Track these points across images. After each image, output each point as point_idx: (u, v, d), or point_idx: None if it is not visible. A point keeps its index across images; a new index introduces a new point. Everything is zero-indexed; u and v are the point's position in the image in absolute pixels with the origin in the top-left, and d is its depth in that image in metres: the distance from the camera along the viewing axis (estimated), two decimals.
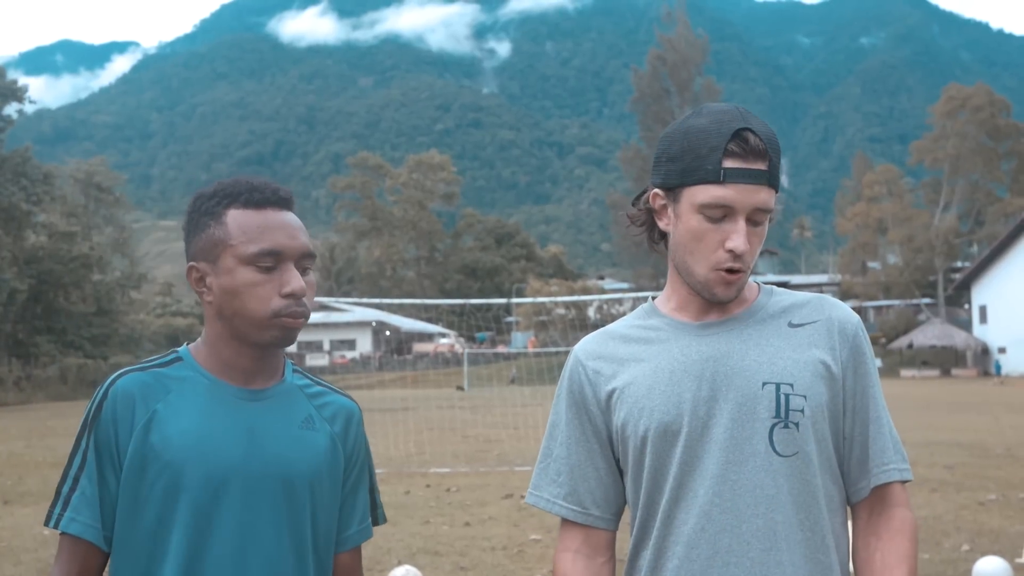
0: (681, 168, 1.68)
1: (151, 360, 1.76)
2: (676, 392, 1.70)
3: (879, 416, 1.76)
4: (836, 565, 1.71)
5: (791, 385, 1.67)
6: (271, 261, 1.69)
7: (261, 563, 1.67)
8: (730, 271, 1.68)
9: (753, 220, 1.67)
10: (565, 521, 1.84)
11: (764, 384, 1.67)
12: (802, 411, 1.67)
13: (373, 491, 1.93)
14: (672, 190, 1.71)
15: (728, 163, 1.64)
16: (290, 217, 1.74)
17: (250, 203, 1.71)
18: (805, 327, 1.74)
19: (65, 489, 1.67)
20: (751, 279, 1.81)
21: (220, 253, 1.70)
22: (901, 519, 1.73)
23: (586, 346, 1.84)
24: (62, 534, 1.67)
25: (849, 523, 1.78)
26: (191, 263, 1.74)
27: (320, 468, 1.75)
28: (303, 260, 1.73)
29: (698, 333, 1.74)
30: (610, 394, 1.77)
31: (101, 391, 1.70)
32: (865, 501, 1.75)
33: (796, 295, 1.81)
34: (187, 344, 1.80)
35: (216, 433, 1.68)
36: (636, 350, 1.78)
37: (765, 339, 1.72)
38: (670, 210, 1.73)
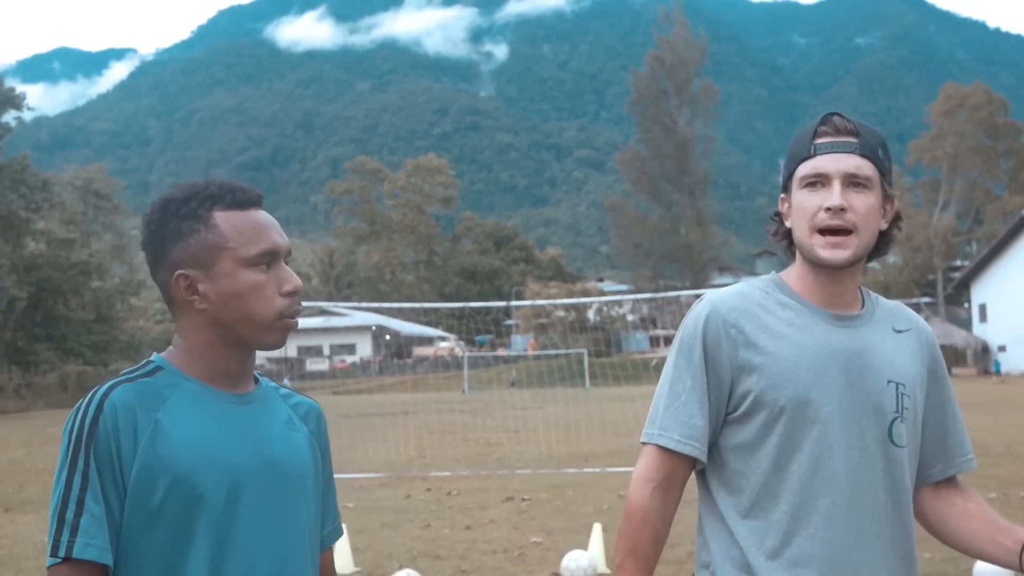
0: (788, 162, 1.93)
1: (131, 372, 1.68)
2: (820, 374, 1.86)
3: (956, 413, 2.04)
4: (913, 538, 1.98)
5: (904, 385, 1.91)
6: (269, 261, 1.67)
7: (274, 563, 1.67)
8: (832, 232, 1.85)
9: (852, 185, 1.86)
10: (657, 450, 1.92)
11: (889, 382, 1.90)
12: (909, 409, 1.91)
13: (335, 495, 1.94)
14: (788, 188, 1.94)
15: (819, 140, 1.88)
16: (269, 215, 1.73)
17: (235, 204, 1.68)
18: (905, 334, 1.98)
19: (69, 515, 1.55)
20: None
21: (216, 257, 1.65)
22: (976, 495, 2.05)
23: (727, 300, 1.94)
24: (62, 563, 1.54)
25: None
26: (179, 271, 1.66)
27: (307, 465, 1.76)
28: (288, 257, 1.73)
29: (834, 323, 1.91)
30: (750, 356, 1.88)
31: (93, 406, 1.59)
32: (941, 483, 2.04)
33: (887, 301, 2.04)
34: (157, 354, 1.73)
35: (220, 439, 1.65)
36: (777, 322, 1.91)
37: (883, 340, 1.93)
38: (787, 204, 1.95)
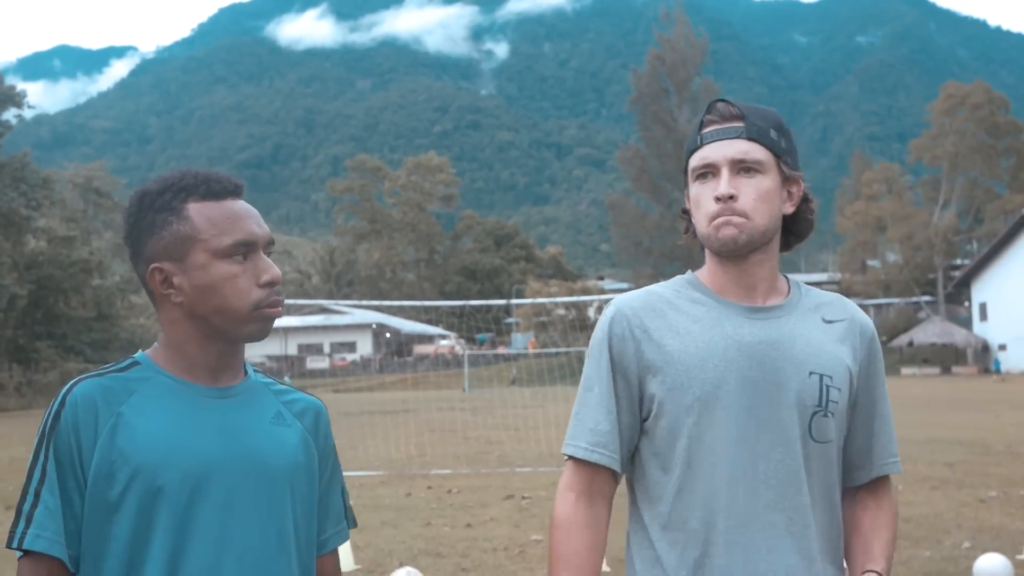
0: (684, 156, 1.90)
1: (108, 367, 1.67)
2: (729, 369, 1.78)
3: (885, 413, 1.94)
4: (842, 539, 1.88)
5: (831, 377, 1.81)
6: (245, 251, 1.64)
7: (244, 561, 1.61)
8: (725, 219, 1.79)
9: (742, 171, 1.79)
10: (573, 461, 1.86)
11: (811, 373, 1.79)
12: (837, 402, 1.81)
13: (344, 494, 1.87)
14: (686, 181, 1.89)
15: (705, 129, 1.84)
16: (248, 205, 1.69)
17: (209, 194, 1.65)
18: (836, 324, 1.88)
19: (26, 507, 1.55)
20: (782, 274, 1.92)
21: (188, 249, 1.62)
22: (890, 500, 1.93)
23: (632, 302, 1.89)
24: (24, 555, 1.55)
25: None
26: (154, 265, 1.64)
27: (296, 463, 1.70)
28: (268, 247, 1.68)
29: (748, 316, 1.83)
30: (655, 356, 1.81)
31: (58, 400, 1.59)
32: (864, 486, 1.93)
33: (820, 292, 1.94)
34: (143, 351, 1.72)
35: (188, 431, 1.61)
36: (685, 319, 1.84)
37: (808, 331, 1.84)
38: (688, 199, 1.90)
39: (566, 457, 1.88)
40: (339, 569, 1.86)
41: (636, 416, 1.85)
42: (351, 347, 72.61)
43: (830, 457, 1.82)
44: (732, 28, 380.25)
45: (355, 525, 1.91)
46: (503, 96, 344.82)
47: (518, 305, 46.98)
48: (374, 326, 72.15)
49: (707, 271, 1.91)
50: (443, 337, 72.73)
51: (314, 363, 66.63)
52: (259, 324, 1.65)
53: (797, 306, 1.87)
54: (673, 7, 70.09)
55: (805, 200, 1.89)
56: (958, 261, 68.00)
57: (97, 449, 1.56)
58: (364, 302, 69.24)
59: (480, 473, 13.60)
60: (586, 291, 61.00)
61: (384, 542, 8.42)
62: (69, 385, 1.61)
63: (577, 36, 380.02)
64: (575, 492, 1.84)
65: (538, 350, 50.99)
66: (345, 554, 7.39)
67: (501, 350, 55.35)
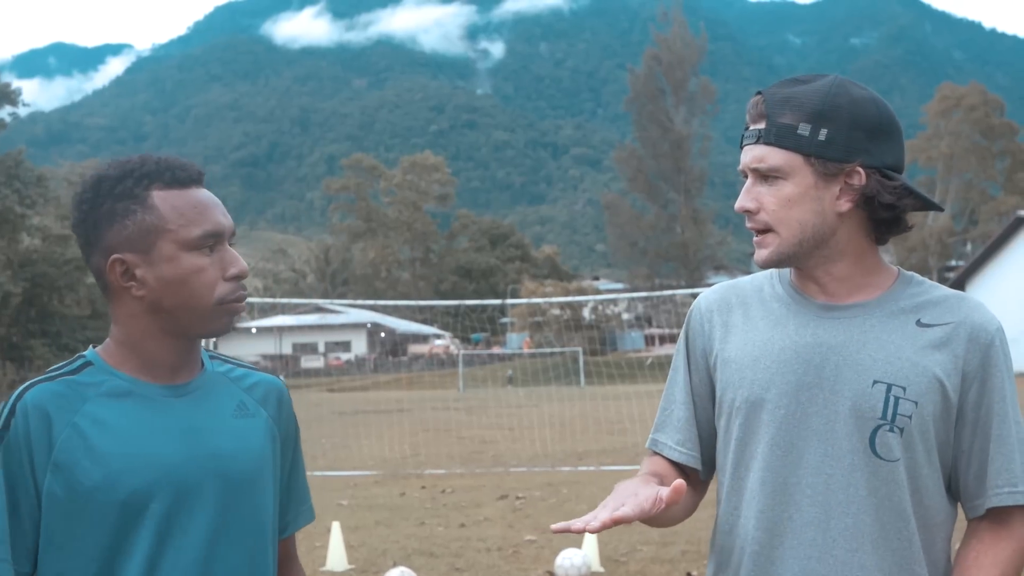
0: None
1: (58, 368, 1.58)
2: (781, 371, 1.65)
3: (1003, 433, 1.64)
4: None
5: (903, 388, 1.60)
6: (212, 243, 1.56)
7: (225, 565, 1.56)
8: (756, 240, 1.68)
9: (763, 179, 1.65)
10: (652, 455, 1.81)
11: (875, 383, 1.60)
12: (910, 417, 1.60)
13: (303, 474, 1.79)
14: None
15: (745, 131, 1.70)
16: (211, 194, 1.60)
17: (175, 182, 1.55)
18: (934, 328, 1.65)
19: None
20: (891, 264, 1.76)
21: (155, 240, 1.53)
22: (1012, 537, 1.64)
23: (709, 295, 1.83)
24: None
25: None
26: (115, 256, 1.54)
27: (263, 456, 1.63)
28: (232, 238, 1.61)
29: (819, 314, 1.68)
30: (720, 352, 1.74)
31: (7, 408, 1.49)
32: (981, 519, 1.66)
33: (936, 290, 1.71)
34: (93, 347, 1.63)
35: (147, 438, 1.52)
36: (757, 315, 1.73)
37: (887, 334, 1.64)
38: None
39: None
40: (296, 551, 1.80)
41: (710, 414, 1.78)
42: (346, 346, 72.52)
43: (898, 479, 1.60)
44: (728, 28, 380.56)
45: (313, 517, 1.83)
46: (499, 95, 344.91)
47: (513, 305, 46.96)
48: (369, 325, 72.10)
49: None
50: (438, 337, 72.65)
51: (309, 362, 66.54)
52: (223, 320, 1.58)
53: (886, 306, 1.67)
54: (670, 7, 70.14)
55: (873, 189, 1.63)
56: (953, 263, 68.11)
57: (51, 462, 1.47)
58: (359, 301, 69.23)
59: (474, 473, 13.59)
60: (581, 291, 61.01)
61: (378, 542, 8.41)
62: (19, 391, 1.51)
63: (573, 36, 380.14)
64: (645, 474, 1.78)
65: (533, 350, 50.98)
66: (339, 553, 7.38)
67: (496, 350, 55.33)
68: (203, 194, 1.58)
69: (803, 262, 1.68)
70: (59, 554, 1.49)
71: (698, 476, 1.81)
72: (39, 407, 1.49)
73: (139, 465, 1.50)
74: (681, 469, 1.79)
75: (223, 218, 1.58)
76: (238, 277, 1.58)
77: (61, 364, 1.60)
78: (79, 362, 1.59)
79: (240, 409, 1.64)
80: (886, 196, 1.63)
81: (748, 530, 1.66)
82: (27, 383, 1.54)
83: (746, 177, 1.70)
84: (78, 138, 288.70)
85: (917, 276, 1.75)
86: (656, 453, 1.81)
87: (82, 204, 1.58)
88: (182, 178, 1.56)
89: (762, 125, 1.65)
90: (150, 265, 1.53)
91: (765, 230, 1.66)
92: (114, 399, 1.54)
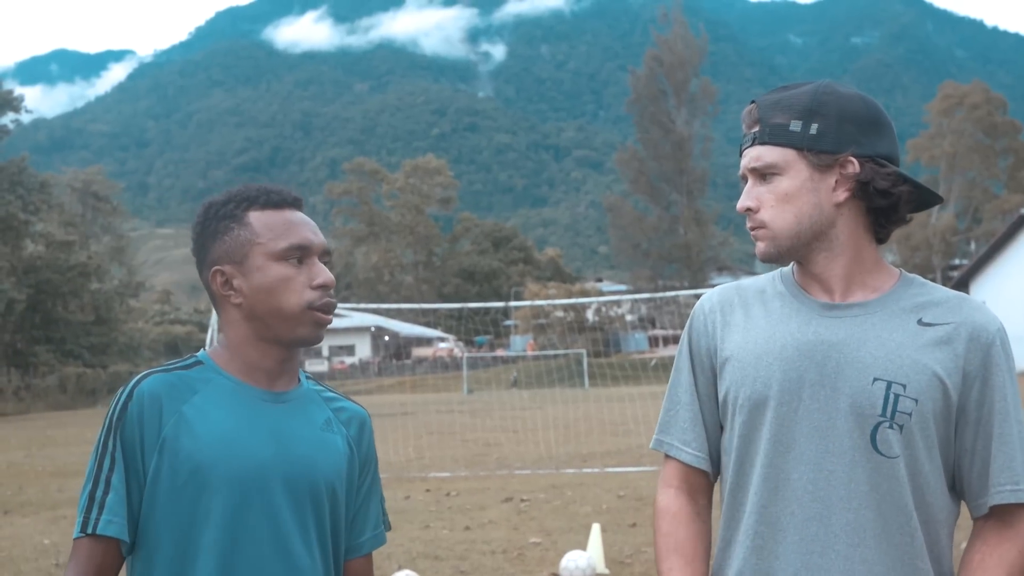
0: None
1: (172, 363, 1.77)
2: (783, 369, 1.68)
3: (1005, 432, 1.66)
4: (931, 573, 1.67)
5: (903, 386, 1.63)
6: (300, 255, 1.74)
7: (289, 564, 1.70)
8: (754, 234, 1.75)
9: (761, 178, 1.73)
10: (667, 459, 1.85)
11: (875, 380, 1.64)
12: (910, 414, 1.63)
13: (382, 500, 1.96)
14: None
15: (743, 139, 1.78)
16: (306, 216, 1.80)
17: (269, 204, 1.76)
18: (935, 327, 1.69)
19: (99, 493, 1.64)
20: (894, 266, 1.81)
21: (248, 252, 1.73)
22: (1017, 536, 1.66)
23: (712, 296, 1.87)
24: (86, 537, 1.63)
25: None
26: (216, 267, 1.75)
27: (340, 470, 1.79)
28: (324, 256, 1.79)
29: (821, 312, 1.71)
30: (723, 351, 1.78)
31: (125, 392, 1.69)
32: (986, 518, 1.69)
33: (937, 291, 1.75)
34: (205, 350, 1.82)
35: (244, 434, 1.70)
36: (759, 314, 1.77)
37: (888, 333, 1.67)
38: None
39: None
40: (372, 572, 1.94)
41: (715, 414, 1.82)
42: (350, 350, 72.55)
43: (899, 475, 1.63)
44: (729, 29, 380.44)
45: (390, 528, 1.99)
46: (501, 98, 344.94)
47: (516, 307, 46.92)
48: (373, 329, 72.12)
49: (795, 264, 1.81)
50: (442, 339, 72.67)
51: (313, 366, 66.56)
52: (311, 327, 1.74)
53: (888, 305, 1.71)
54: (671, 8, 70.14)
55: (866, 178, 1.68)
56: (956, 261, 68.01)
57: (158, 444, 1.66)
58: (362, 305, 69.09)
59: (479, 475, 13.59)
60: (584, 293, 61.03)
61: (383, 545, 8.41)
62: (137, 379, 1.71)
63: (575, 38, 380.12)
64: (673, 487, 1.83)
65: (537, 352, 50.98)
66: None
67: (500, 352, 55.30)
68: (295, 215, 1.78)
69: (803, 255, 1.73)
70: (152, 528, 1.67)
71: (708, 478, 1.84)
72: (153, 394, 1.68)
73: (230, 458, 1.67)
74: (696, 472, 1.82)
75: (312, 235, 1.77)
76: (324, 287, 1.75)
77: (176, 360, 1.79)
78: (191, 360, 1.78)
79: (327, 424, 1.81)
80: (881, 182, 1.68)
81: (750, 525, 1.70)
82: (143, 372, 1.74)
83: (746, 181, 1.76)
84: (81, 144, 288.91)
85: (919, 278, 1.79)
86: (668, 457, 1.84)
87: (196, 227, 1.79)
88: (276, 200, 1.77)
89: (756, 128, 1.73)
90: (244, 275, 1.73)
91: (763, 226, 1.72)
92: (219, 396, 1.72)
